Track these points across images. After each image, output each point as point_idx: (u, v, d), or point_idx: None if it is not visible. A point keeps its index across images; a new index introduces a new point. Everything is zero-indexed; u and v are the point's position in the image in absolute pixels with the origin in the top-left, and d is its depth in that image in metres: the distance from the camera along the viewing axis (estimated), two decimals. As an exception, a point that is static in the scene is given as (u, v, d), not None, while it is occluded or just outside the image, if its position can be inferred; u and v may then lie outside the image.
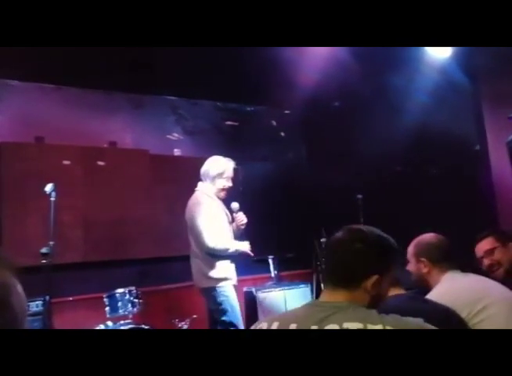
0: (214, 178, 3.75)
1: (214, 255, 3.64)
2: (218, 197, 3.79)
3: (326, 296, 1.43)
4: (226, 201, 3.87)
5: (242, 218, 3.76)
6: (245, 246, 3.73)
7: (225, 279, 3.67)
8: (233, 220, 3.84)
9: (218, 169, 3.75)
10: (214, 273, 3.63)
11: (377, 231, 1.50)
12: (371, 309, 1.34)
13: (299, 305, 1.49)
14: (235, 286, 3.73)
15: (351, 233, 1.49)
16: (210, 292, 3.67)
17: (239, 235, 3.84)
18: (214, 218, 3.66)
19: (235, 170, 3.84)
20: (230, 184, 3.78)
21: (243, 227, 3.78)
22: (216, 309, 3.66)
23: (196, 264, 3.74)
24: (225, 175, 3.76)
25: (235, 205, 3.78)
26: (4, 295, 0.98)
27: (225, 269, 3.68)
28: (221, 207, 3.79)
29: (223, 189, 3.77)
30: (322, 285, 1.56)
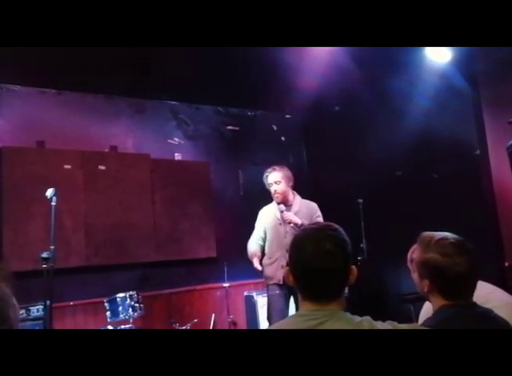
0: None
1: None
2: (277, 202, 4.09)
3: (315, 306, 1.37)
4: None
5: (285, 218, 3.95)
6: (256, 264, 4.00)
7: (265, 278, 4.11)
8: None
9: (264, 178, 4.14)
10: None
11: (332, 225, 1.45)
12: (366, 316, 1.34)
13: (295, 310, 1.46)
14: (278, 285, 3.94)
15: (326, 238, 1.38)
16: None
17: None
18: (258, 226, 4.19)
19: (272, 176, 4.09)
20: (276, 188, 4.05)
21: (292, 225, 3.92)
22: None
23: None
24: (268, 182, 4.11)
25: (280, 207, 4.02)
26: (2, 308, 0.98)
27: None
28: (275, 211, 4.10)
29: (274, 194, 4.08)
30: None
